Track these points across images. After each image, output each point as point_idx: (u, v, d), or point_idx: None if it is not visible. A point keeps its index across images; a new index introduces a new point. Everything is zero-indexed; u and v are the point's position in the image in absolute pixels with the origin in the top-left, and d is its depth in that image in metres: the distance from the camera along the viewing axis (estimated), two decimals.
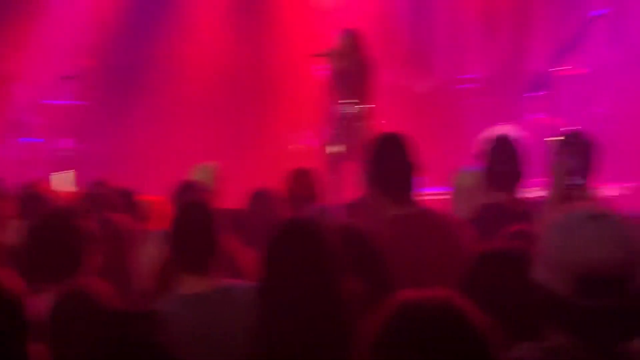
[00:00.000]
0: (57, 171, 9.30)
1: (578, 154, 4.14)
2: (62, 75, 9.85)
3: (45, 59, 10.23)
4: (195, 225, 3.16)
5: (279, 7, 11.05)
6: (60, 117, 10.06)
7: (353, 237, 3.05)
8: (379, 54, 9.20)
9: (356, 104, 7.90)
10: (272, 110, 10.85)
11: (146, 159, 10.16)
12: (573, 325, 1.93)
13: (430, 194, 5.90)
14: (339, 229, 2.91)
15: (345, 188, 7.91)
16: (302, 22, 10.91)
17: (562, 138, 4.50)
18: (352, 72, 7.82)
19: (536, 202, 4.46)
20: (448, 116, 10.31)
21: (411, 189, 3.66)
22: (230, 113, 10.94)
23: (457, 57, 11.19)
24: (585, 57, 9.82)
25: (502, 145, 4.11)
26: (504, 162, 4.01)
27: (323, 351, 2.54)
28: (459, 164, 6.26)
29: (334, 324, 2.57)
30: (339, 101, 7.99)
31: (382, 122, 8.90)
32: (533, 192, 5.32)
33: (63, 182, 8.74)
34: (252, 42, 11.13)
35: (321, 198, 5.35)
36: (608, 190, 6.26)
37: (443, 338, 1.69)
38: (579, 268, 1.90)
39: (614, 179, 8.38)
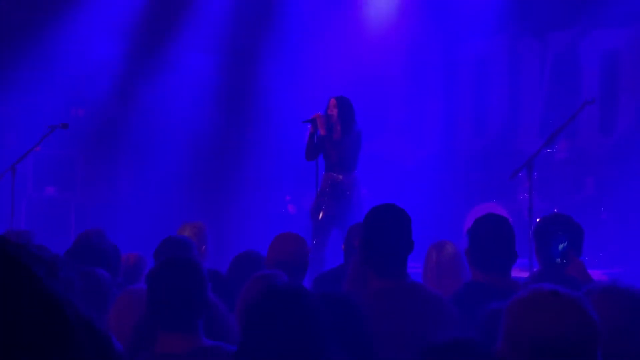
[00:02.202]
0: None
1: (569, 236, 4.14)
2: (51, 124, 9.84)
3: (36, 106, 10.22)
4: (176, 281, 3.04)
5: (265, 72, 11.15)
6: (46, 165, 10.02)
7: (337, 305, 3.00)
8: (370, 123, 9.28)
9: (345, 171, 7.88)
10: (259, 173, 10.87)
11: (128, 212, 10.09)
12: None
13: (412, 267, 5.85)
14: (322, 296, 2.86)
15: (330, 255, 7.87)
16: (289, 88, 11.00)
17: (552, 219, 4.51)
18: (342, 139, 7.82)
19: (520, 282, 4.42)
20: (436, 189, 10.34)
21: (401, 262, 3.62)
22: (215, 174, 10.94)
23: (449, 130, 11.30)
24: (573, 142, 9.92)
25: (495, 224, 4.06)
26: (494, 241, 3.96)
27: None
28: (450, 240, 6.22)
29: None
30: (328, 168, 7.97)
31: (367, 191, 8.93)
32: (515, 272, 5.29)
33: None
34: (240, 104, 11.21)
35: (305, 264, 5.29)
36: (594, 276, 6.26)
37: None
38: (534, 341, 1.94)
39: (598, 265, 8.40)
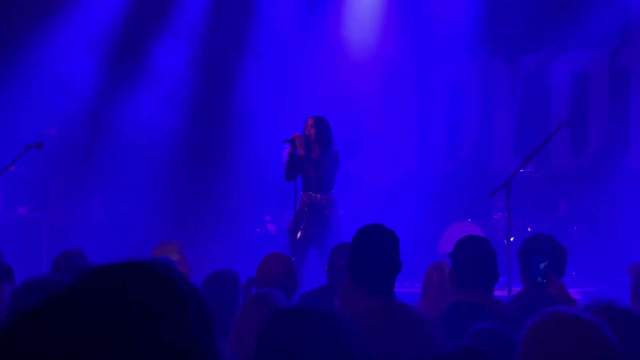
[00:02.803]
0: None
1: (551, 256, 4.20)
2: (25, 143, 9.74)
3: (8, 126, 10.13)
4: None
5: (243, 91, 11.16)
6: (17, 185, 9.92)
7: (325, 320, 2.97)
8: (345, 144, 9.31)
9: (322, 191, 7.90)
10: (238, 193, 10.85)
11: (101, 232, 10.01)
12: None
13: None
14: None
15: (308, 275, 7.87)
16: (268, 108, 11.02)
17: (536, 240, 4.57)
18: (320, 158, 7.83)
19: (504, 302, 4.46)
20: (411, 209, 10.39)
21: (388, 282, 3.64)
22: (193, 194, 10.90)
23: (423, 151, 11.38)
24: (544, 162, 10.04)
25: (477, 245, 4.11)
26: (477, 262, 4.00)
27: None
28: (425, 259, 6.28)
29: None
30: (306, 187, 7.98)
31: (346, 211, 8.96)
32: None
33: None
34: (218, 123, 11.19)
35: (295, 284, 5.28)
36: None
37: None
38: None
39: (572, 283, 8.47)
